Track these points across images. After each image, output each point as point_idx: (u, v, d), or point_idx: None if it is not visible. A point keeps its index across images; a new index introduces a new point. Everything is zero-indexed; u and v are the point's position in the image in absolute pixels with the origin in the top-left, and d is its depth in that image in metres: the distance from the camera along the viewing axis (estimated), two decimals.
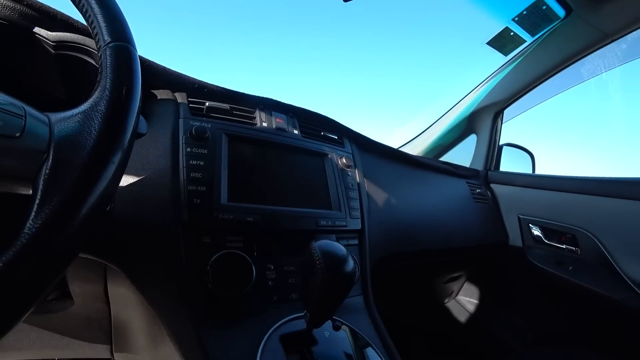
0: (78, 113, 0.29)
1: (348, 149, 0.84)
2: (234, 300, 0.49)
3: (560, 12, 1.11)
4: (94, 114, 0.28)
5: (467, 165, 1.49)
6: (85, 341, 0.78)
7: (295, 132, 0.74)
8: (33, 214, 0.24)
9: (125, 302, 0.64)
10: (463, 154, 1.59)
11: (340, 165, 0.78)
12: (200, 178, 0.55)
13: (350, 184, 0.77)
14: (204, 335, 0.46)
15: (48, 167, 0.26)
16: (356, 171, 0.81)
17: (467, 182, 1.29)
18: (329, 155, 0.77)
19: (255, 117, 0.69)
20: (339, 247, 0.42)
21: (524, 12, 1.14)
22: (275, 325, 0.51)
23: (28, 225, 0.23)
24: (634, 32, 1.07)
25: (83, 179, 0.26)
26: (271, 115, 0.72)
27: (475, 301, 1.39)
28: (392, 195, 0.93)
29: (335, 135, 0.83)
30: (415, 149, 1.63)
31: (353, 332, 0.57)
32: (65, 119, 0.28)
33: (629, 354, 0.99)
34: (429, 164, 1.18)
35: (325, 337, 0.52)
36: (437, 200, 1.10)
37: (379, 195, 0.88)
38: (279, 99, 0.76)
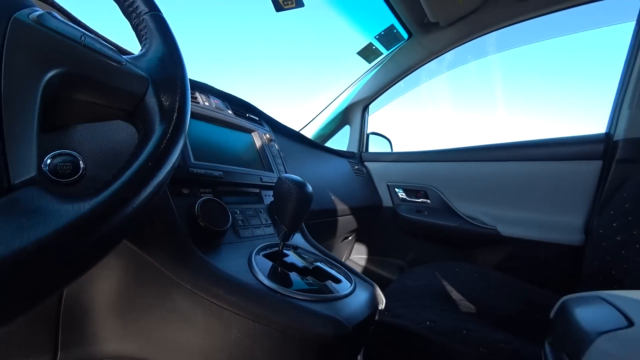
0: (143, 55, 0.40)
1: (267, 128, 1.02)
2: (220, 234, 0.61)
3: (405, 35, 1.52)
4: (161, 55, 0.40)
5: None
6: (24, 348, 0.70)
7: (229, 112, 0.88)
8: (158, 119, 0.35)
9: (93, 274, 0.65)
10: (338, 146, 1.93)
11: (265, 139, 0.95)
12: None
13: (275, 154, 0.95)
14: (207, 257, 0.57)
15: (154, 90, 0.37)
16: (275, 145, 0.99)
17: (348, 161, 1.61)
18: (256, 132, 0.93)
19: (197, 98, 0.80)
20: (300, 178, 0.61)
21: (382, 33, 1.52)
22: (257, 248, 0.65)
23: (157, 129, 0.35)
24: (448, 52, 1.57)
25: (183, 97, 0.38)
26: (209, 97, 0.84)
27: (365, 256, 1.71)
28: (299, 166, 1.14)
29: (257, 117, 0.99)
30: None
31: (305, 252, 0.75)
32: (135, 59, 0.39)
33: (471, 255, 1.43)
34: (321, 146, 1.44)
35: (292, 254, 0.68)
36: (330, 173, 1.37)
37: (291, 165, 1.08)
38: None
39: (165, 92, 0.37)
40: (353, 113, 1.78)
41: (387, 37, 1.52)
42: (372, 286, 0.68)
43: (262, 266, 0.60)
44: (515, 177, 1.35)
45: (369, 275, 1.66)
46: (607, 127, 1.28)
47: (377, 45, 1.57)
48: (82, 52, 0.32)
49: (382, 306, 0.65)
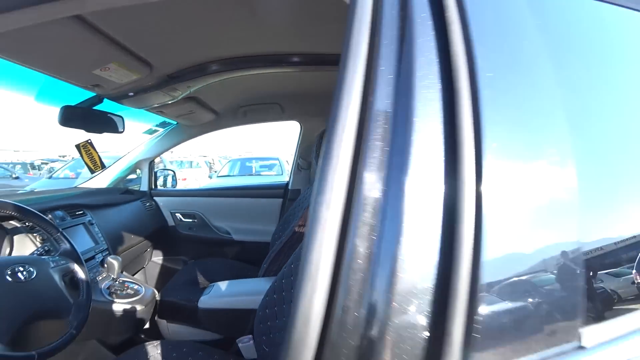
0: None
1: (90, 216, 1.82)
2: None
3: (175, 122, 2.46)
4: None
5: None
6: None
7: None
8: None
9: None
10: None
11: (87, 223, 1.76)
12: None
13: (97, 231, 1.79)
14: None
15: None
16: (96, 225, 1.82)
17: (140, 201, 2.46)
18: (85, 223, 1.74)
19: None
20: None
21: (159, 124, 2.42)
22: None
23: None
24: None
25: None
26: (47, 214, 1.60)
27: (161, 257, 2.64)
28: (107, 220, 1.98)
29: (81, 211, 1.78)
30: (103, 180, 2.55)
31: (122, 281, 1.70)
32: None
33: (222, 250, 2.61)
34: (120, 199, 2.27)
35: (109, 281, 1.63)
36: (127, 217, 2.23)
37: (102, 220, 1.92)
38: None
39: None
40: (142, 165, 2.61)
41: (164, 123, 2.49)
42: (152, 289, 1.68)
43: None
44: (244, 207, 2.61)
45: (164, 269, 2.63)
46: (289, 180, 2.68)
47: (159, 126, 2.51)
48: None
49: (158, 297, 1.69)
